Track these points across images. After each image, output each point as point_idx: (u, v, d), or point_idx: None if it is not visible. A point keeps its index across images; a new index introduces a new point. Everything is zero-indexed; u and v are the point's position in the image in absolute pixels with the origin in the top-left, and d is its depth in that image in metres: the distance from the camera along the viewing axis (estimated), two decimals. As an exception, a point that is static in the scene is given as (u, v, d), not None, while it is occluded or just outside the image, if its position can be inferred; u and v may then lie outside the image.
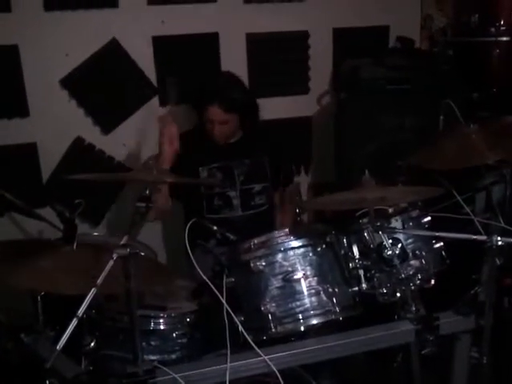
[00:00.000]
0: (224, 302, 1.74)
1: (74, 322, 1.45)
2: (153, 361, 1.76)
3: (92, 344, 1.84)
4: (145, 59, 2.91)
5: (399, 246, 1.82)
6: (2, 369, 1.81)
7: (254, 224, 2.59)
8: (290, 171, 2.96)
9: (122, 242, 1.56)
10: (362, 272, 1.84)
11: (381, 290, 1.82)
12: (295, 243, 1.82)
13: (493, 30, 2.94)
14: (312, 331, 1.82)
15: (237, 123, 2.61)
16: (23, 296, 1.96)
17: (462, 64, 3.06)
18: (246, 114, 2.61)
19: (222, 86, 2.65)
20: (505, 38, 2.93)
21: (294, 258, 1.80)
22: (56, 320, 1.83)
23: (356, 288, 1.83)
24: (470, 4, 3.05)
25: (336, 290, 1.79)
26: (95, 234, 2.79)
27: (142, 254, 1.68)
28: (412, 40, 3.27)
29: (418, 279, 1.82)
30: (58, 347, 1.43)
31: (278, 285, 1.78)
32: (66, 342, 1.43)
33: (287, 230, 1.85)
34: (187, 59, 2.96)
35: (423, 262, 1.84)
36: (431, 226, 1.93)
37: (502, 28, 2.94)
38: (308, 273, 1.79)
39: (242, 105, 2.58)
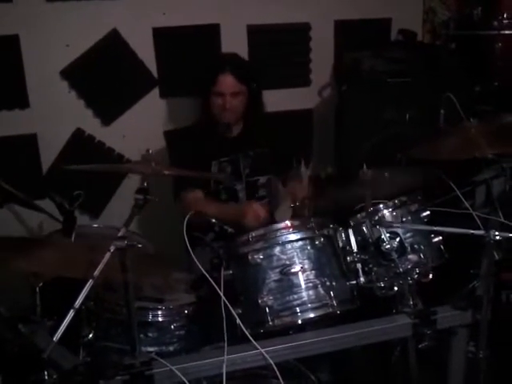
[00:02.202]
0: (222, 294, 1.74)
1: (71, 313, 1.46)
2: (150, 352, 1.77)
3: (90, 335, 1.86)
4: (145, 50, 2.90)
5: (397, 239, 1.83)
6: (0, 359, 1.81)
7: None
8: (292, 163, 2.93)
9: (119, 234, 1.56)
10: (359, 266, 1.84)
11: (378, 284, 1.83)
12: (293, 236, 1.82)
13: (496, 23, 2.93)
14: (309, 324, 1.82)
15: (245, 102, 2.57)
16: (21, 287, 1.97)
17: (464, 57, 3.04)
18: (254, 91, 2.58)
19: (232, 55, 2.65)
20: (507, 32, 2.92)
21: (291, 251, 1.80)
22: (54, 311, 1.84)
23: (354, 282, 1.83)
24: (473, -3, 3.04)
25: (334, 283, 1.79)
26: (94, 225, 2.80)
27: (139, 245, 1.68)
28: (414, 33, 3.26)
29: (416, 273, 1.83)
30: (54, 338, 1.43)
31: (275, 278, 1.78)
32: (63, 333, 1.44)
33: (286, 222, 1.85)
34: (188, 50, 2.96)
35: (421, 256, 1.84)
36: (430, 220, 1.93)
37: (505, 21, 2.93)
38: (306, 266, 1.79)
39: (252, 76, 2.56)
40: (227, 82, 2.49)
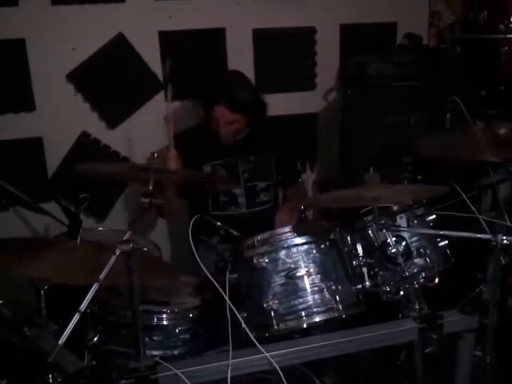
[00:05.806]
0: (227, 298, 1.74)
1: (77, 316, 1.45)
2: (155, 356, 1.76)
3: (95, 339, 1.85)
4: (151, 54, 2.90)
5: (403, 243, 1.82)
6: (5, 362, 1.81)
7: (259, 221, 2.58)
8: (296, 170, 2.92)
9: (125, 238, 1.56)
10: (365, 270, 1.83)
11: (384, 288, 1.81)
12: (298, 240, 1.81)
13: (501, 27, 2.93)
14: (315, 328, 1.81)
15: (243, 123, 2.57)
16: (26, 290, 1.97)
17: (469, 61, 3.04)
18: (253, 114, 2.56)
19: (229, 85, 2.61)
20: (513, 36, 2.92)
21: (297, 255, 1.80)
22: (59, 314, 1.83)
23: (359, 286, 1.82)
24: (479, 1, 3.04)
25: (339, 287, 1.79)
26: (99, 228, 2.80)
27: (145, 249, 1.68)
28: (420, 37, 3.25)
29: (422, 277, 1.82)
30: (60, 342, 1.43)
31: (280, 282, 1.78)
32: (68, 337, 1.44)
33: (290, 227, 1.85)
34: (194, 55, 2.95)
35: (427, 260, 1.84)
36: (436, 224, 1.92)
37: (511, 25, 2.92)
38: (311, 270, 1.78)
39: (249, 106, 2.53)
40: (222, 112, 2.48)
